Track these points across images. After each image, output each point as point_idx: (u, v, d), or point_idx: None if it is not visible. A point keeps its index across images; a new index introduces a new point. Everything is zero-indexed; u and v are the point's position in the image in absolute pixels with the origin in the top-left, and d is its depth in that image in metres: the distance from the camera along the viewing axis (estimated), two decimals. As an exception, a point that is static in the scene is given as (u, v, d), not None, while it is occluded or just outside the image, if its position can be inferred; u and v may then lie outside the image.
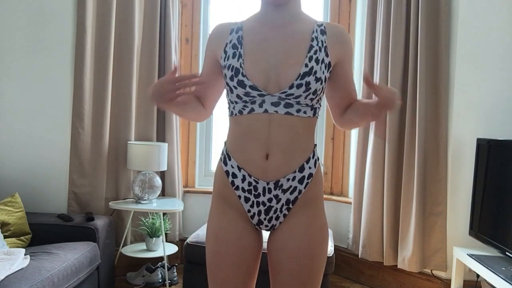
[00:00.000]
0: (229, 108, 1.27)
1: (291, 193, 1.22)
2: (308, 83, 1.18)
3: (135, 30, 2.95)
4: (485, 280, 2.23)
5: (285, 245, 1.22)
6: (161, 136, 3.11)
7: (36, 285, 1.81)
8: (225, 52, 1.25)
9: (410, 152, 2.68)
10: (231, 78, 1.20)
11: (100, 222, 2.53)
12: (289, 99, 1.19)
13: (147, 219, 2.95)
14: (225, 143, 1.29)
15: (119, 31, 2.93)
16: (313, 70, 1.19)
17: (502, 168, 2.28)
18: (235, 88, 1.19)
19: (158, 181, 2.88)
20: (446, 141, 2.62)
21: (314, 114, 1.25)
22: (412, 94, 2.67)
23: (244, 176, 1.22)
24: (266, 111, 1.19)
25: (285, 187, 1.21)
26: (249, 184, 1.22)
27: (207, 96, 1.35)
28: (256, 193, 1.22)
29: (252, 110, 1.20)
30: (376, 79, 2.83)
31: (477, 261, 2.23)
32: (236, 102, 1.22)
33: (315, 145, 1.28)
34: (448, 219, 2.62)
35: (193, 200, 3.32)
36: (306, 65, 1.19)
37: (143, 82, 3.03)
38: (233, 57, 1.22)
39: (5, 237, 2.27)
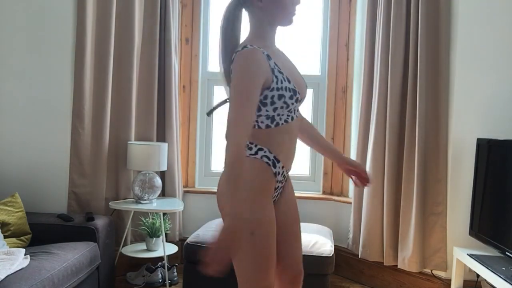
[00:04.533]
0: (272, 120, 1.42)
1: (287, 173, 1.57)
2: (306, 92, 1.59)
3: (135, 30, 2.95)
4: (485, 280, 2.23)
5: (286, 207, 1.58)
6: (161, 136, 3.11)
7: (36, 285, 1.81)
8: (276, 77, 1.41)
9: (410, 152, 2.68)
10: (291, 98, 1.42)
11: (100, 222, 2.53)
12: (299, 105, 1.54)
13: (147, 219, 2.95)
14: (268, 149, 1.44)
15: (119, 31, 2.93)
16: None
17: (502, 168, 2.28)
18: (293, 104, 1.43)
19: (158, 181, 2.88)
20: (446, 141, 2.62)
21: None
22: (412, 94, 2.67)
23: (282, 170, 1.49)
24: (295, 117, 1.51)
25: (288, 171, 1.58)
26: (283, 176, 1.51)
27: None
28: (281, 180, 1.50)
29: (292, 118, 1.48)
30: (376, 79, 2.83)
31: (477, 261, 2.23)
32: (283, 114, 1.43)
33: None
34: (448, 219, 2.62)
35: (193, 200, 3.32)
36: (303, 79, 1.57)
37: (143, 82, 3.03)
38: (284, 79, 1.42)
39: (5, 237, 2.27)
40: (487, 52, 2.56)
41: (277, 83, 1.40)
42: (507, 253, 2.19)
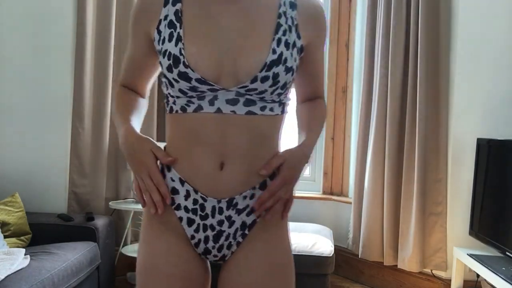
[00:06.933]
0: (167, 102, 0.99)
1: (247, 215, 0.96)
2: (276, 75, 0.91)
3: (135, 30, 2.94)
4: (485, 280, 2.23)
5: (239, 279, 0.96)
6: (161, 136, 3.11)
7: (36, 285, 1.80)
8: (159, 32, 0.95)
9: (410, 152, 2.68)
10: (169, 69, 0.91)
11: (100, 222, 2.53)
12: (250, 95, 0.92)
13: (147, 219, 2.94)
14: (164, 148, 1.02)
15: (119, 31, 2.93)
16: (283, 58, 0.92)
17: (502, 168, 2.28)
18: (176, 81, 0.91)
19: (158, 181, 2.87)
20: (446, 141, 2.62)
21: (283, 111, 0.99)
22: (412, 94, 2.67)
23: (188, 192, 0.95)
24: (219, 110, 0.91)
25: (240, 206, 0.95)
26: (194, 202, 0.95)
27: (142, 84, 1.11)
28: (203, 214, 0.95)
29: (199, 107, 0.92)
30: (376, 79, 2.83)
31: (477, 261, 2.23)
32: (178, 97, 0.94)
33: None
34: (448, 219, 2.62)
35: (193, 200, 3.32)
36: (274, 51, 0.91)
37: (143, 82, 3.02)
38: (170, 40, 0.92)
39: (5, 237, 2.27)
40: (487, 52, 2.56)
41: (159, 43, 0.95)
42: (507, 253, 2.19)
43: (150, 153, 0.95)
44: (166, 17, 0.95)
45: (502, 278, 1.99)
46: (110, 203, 2.82)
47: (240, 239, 0.97)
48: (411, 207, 2.66)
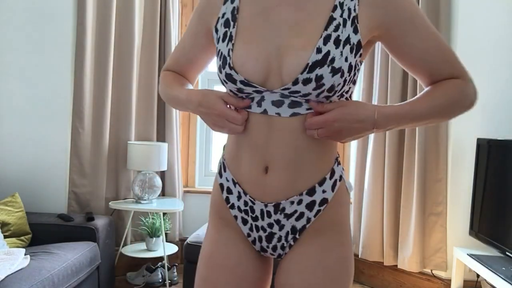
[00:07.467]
0: None
1: (297, 220, 0.93)
2: (319, 78, 0.84)
3: (135, 30, 2.95)
4: (485, 280, 2.23)
5: (290, 279, 0.94)
6: (161, 136, 3.11)
7: (36, 285, 1.80)
8: (216, 31, 0.95)
9: (410, 152, 2.68)
10: (219, 70, 0.91)
11: (100, 222, 2.53)
12: (295, 97, 0.87)
13: (147, 219, 2.95)
14: (224, 147, 1.03)
15: (119, 31, 2.93)
16: (329, 58, 0.84)
17: (502, 168, 2.28)
18: (225, 82, 0.91)
19: (158, 181, 2.88)
20: (446, 141, 2.62)
21: None
22: (412, 94, 2.67)
23: (239, 193, 0.96)
24: (265, 111, 0.89)
25: (288, 211, 0.93)
26: (245, 203, 0.95)
27: (190, 74, 1.12)
28: (253, 216, 0.96)
29: (248, 107, 0.91)
30: (376, 79, 2.83)
31: (477, 261, 2.23)
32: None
33: (337, 158, 0.96)
34: (448, 219, 2.62)
35: (193, 200, 3.32)
36: (319, 50, 0.84)
37: (143, 82, 3.03)
38: (224, 39, 0.92)
39: (5, 237, 2.27)
40: (487, 52, 2.56)
41: (217, 42, 0.96)
42: (507, 253, 2.19)
43: (219, 100, 0.92)
44: (223, 15, 0.94)
45: (502, 278, 1.99)
46: (110, 203, 2.82)
47: (292, 242, 0.96)
48: (411, 207, 2.66)
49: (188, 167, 3.40)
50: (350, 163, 3.28)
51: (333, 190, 0.93)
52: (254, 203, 0.94)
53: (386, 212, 2.76)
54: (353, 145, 3.20)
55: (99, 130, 2.86)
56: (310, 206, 0.92)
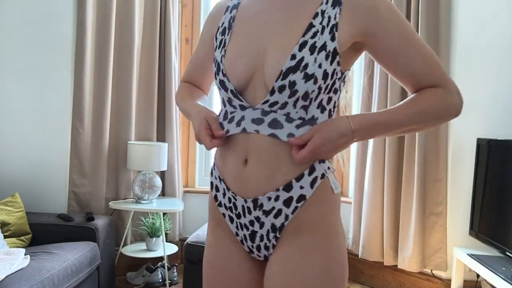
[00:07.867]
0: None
1: (275, 217, 0.92)
2: (292, 84, 0.85)
3: (135, 30, 2.95)
4: (485, 280, 2.23)
5: (272, 284, 0.92)
6: (161, 136, 3.11)
7: (36, 285, 1.81)
8: (215, 39, 1.00)
9: (410, 152, 2.68)
10: (215, 76, 0.95)
11: (100, 222, 2.53)
12: (275, 111, 0.88)
13: (147, 219, 2.95)
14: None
15: (119, 31, 2.93)
16: (302, 64, 0.84)
17: (502, 168, 2.28)
18: (220, 89, 0.96)
19: (158, 181, 2.88)
20: (446, 141, 2.62)
21: (325, 115, 0.93)
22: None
23: (224, 190, 0.97)
24: (244, 130, 0.91)
25: (266, 208, 0.91)
26: (229, 200, 0.96)
27: (203, 83, 1.16)
28: (236, 213, 0.96)
29: (226, 132, 0.94)
30: (376, 79, 2.83)
31: (477, 261, 2.23)
32: (222, 103, 1.00)
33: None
34: (448, 219, 2.62)
35: (193, 200, 3.32)
36: (293, 57, 0.84)
37: (143, 82, 3.03)
38: (219, 46, 0.96)
39: (5, 237, 2.27)
40: (487, 52, 2.56)
41: (215, 49, 1.00)
42: (507, 253, 2.19)
43: (204, 121, 0.96)
44: (222, 24, 0.99)
45: (502, 278, 1.99)
46: (110, 203, 2.82)
47: (274, 242, 0.94)
48: (411, 207, 2.66)
49: (188, 167, 3.40)
50: (350, 163, 3.28)
51: (312, 187, 0.90)
52: (236, 199, 0.94)
53: (386, 212, 2.76)
54: (353, 145, 3.20)
55: (99, 130, 2.86)
56: (287, 203, 0.90)
